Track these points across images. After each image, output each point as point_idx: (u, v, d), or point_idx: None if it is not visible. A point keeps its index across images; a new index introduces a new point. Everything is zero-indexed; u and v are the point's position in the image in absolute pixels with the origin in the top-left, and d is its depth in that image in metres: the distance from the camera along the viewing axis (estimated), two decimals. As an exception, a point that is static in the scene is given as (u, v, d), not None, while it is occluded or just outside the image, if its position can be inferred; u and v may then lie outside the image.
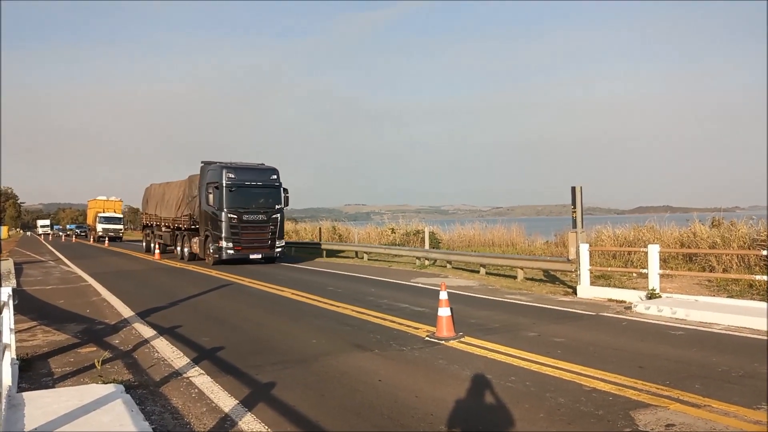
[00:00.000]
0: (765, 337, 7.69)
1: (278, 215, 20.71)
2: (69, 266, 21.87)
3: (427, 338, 7.86)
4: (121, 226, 53.76)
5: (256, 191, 20.47)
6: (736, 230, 15.44)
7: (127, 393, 5.21)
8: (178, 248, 24.21)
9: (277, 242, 20.71)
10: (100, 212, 53.86)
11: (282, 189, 21.01)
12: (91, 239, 52.94)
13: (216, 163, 20.77)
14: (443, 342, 7.60)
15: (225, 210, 19.59)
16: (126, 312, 10.47)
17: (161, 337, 8.16)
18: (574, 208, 12.72)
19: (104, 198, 57.21)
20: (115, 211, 55.70)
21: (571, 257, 13.02)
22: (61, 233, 73.74)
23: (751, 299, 10.29)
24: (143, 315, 10.05)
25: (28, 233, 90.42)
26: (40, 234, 79.05)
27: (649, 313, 9.59)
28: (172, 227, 24.81)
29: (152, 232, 28.33)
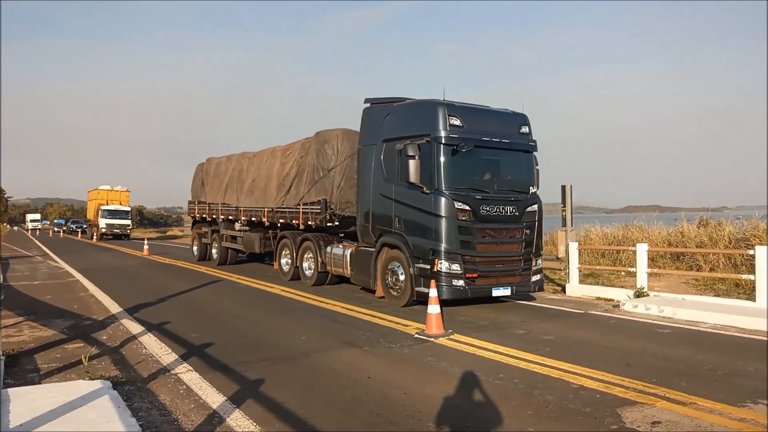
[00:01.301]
0: (750, 336, 7.78)
1: (535, 206, 10.50)
2: (57, 262, 21.68)
3: (416, 335, 7.87)
4: (128, 222, 45.20)
5: (496, 158, 10.60)
6: (722, 230, 15.59)
7: (114, 389, 5.17)
8: (284, 260, 14.64)
9: (534, 262, 10.51)
10: (104, 204, 44.55)
11: (534, 156, 10.86)
12: (90, 236, 47.25)
13: (410, 99, 10.90)
14: (433, 339, 7.61)
15: (446, 193, 9.56)
16: (114, 308, 10.38)
17: (149, 333, 8.10)
18: (564, 206, 12.79)
19: (108, 188, 47.73)
20: (121, 203, 46.15)
21: (560, 255, 13.09)
22: (56, 228, 70.96)
23: (737, 298, 10.40)
24: (131, 311, 9.97)
25: (15, 228, 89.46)
26: (29, 229, 77.61)
27: (636, 312, 9.66)
28: (268, 222, 15.29)
29: (214, 231, 18.90)
